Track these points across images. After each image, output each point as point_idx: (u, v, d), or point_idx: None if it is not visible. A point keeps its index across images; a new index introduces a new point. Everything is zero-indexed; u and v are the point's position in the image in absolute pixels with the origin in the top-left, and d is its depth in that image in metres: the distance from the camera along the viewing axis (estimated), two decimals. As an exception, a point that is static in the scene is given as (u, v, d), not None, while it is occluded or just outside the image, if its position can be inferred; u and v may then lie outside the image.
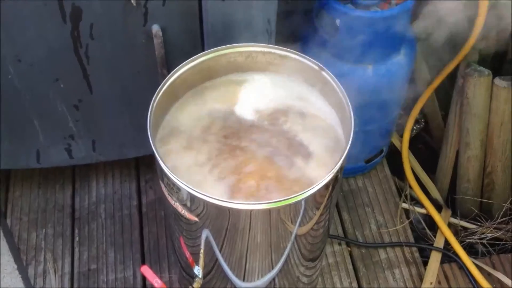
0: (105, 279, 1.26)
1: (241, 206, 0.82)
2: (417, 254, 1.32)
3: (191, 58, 0.95)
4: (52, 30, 1.02)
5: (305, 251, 0.99)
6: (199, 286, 1.05)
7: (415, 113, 1.46)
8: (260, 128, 0.95)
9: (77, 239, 1.32)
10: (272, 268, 0.98)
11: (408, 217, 1.38)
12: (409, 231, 1.36)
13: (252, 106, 0.97)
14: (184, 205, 0.87)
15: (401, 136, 1.48)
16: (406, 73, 1.20)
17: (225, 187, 0.89)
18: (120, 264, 1.28)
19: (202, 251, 0.96)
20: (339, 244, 1.33)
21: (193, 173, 0.90)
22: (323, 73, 0.93)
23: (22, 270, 1.27)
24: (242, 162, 0.91)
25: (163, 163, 0.82)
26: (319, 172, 0.90)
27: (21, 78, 1.10)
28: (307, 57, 0.94)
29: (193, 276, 1.05)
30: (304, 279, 1.09)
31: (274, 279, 1.02)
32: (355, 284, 1.28)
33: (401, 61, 1.18)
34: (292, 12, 1.14)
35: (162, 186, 0.89)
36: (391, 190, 1.43)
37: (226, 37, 1.04)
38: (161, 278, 1.04)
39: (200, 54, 0.95)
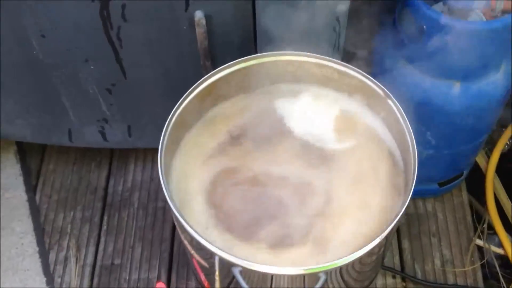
0: (127, 278, 1.15)
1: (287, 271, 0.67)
2: (484, 304, 1.12)
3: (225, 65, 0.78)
4: (78, 7, 0.88)
5: (350, 279, 0.81)
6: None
7: (510, 131, 1.21)
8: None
9: (105, 227, 1.22)
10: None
11: (481, 257, 1.17)
12: (479, 274, 1.15)
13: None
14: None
15: (488, 155, 1.25)
16: (503, 95, 0.97)
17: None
18: (146, 262, 1.17)
19: (217, 273, 0.81)
20: (393, 277, 1.15)
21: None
22: (389, 101, 0.74)
23: (43, 254, 1.18)
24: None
25: (185, 221, 0.68)
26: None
27: (47, 55, 0.97)
28: (371, 78, 0.75)
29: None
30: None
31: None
32: (404, 330, 1.10)
33: (499, 81, 0.94)
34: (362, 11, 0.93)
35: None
36: (465, 220, 1.21)
37: (283, 39, 0.85)
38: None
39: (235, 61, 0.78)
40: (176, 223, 0.74)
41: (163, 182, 0.72)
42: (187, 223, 0.69)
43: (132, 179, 1.27)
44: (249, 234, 0.75)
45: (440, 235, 1.19)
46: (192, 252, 0.76)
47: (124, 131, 1.15)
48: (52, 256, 1.18)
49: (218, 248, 0.67)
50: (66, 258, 1.18)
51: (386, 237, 0.69)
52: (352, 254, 0.67)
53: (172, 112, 0.78)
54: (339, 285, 0.81)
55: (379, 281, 1.14)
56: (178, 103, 0.79)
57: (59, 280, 1.15)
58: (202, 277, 0.85)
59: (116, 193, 1.26)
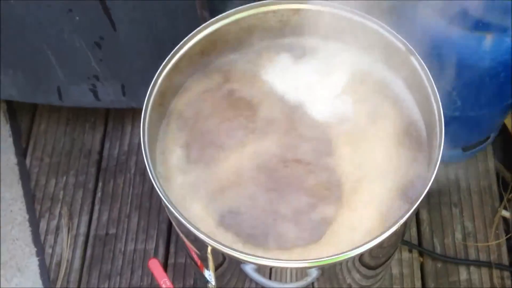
0: (122, 249, 1.07)
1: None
2: (508, 282, 1.02)
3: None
4: None
5: (366, 254, 0.72)
6: (215, 293, 0.83)
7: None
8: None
9: (99, 194, 1.13)
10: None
11: (507, 230, 1.06)
12: (504, 249, 1.05)
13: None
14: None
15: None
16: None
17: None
18: (143, 233, 1.09)
19: (210, 250, 0.72)
20: (410, 251, 1.05)
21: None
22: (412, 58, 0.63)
23: (34, 222, 1.10)
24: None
25: (178, 213, 0.59)
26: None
27: (24, 5, 0.86)
28: (392, 31, 0.63)
29: (205, 281, 0.83)
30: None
31: (313, 284, 0.77)
32: (420, 307, 1.01)
33: (538, 35, 0.82)
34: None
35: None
36: (490, 189, 1.11)
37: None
38: (173, 279, 0.83)
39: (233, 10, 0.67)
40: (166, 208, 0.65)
41: (147, 159, 0.62)
42: (183, 218, 0.59)
43: (129, 143, 1.18)
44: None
45: (462, 205, 1.09)
46: (184, 240, 0.67)
47: (117, 90, 1.05)
48: (42, 225, 1.10)
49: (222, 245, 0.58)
50: (57, 227, 1.10)
51: (410, 216, 0.59)
52: (374, 239, 0.57)
53: (159, 71, 0.68)
54: (353, 260, 0.72)
55: (394, 256, 1.05)
56: (166, 61, 0.68)
57: (50, 250, 1.08)
58: (195, 257, 0.76)
59: (112, 157, 1.17)
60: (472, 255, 1.04)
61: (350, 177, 0.66)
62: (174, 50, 0.68)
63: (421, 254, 1.05)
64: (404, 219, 0.60)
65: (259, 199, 0.67)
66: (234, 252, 0.60)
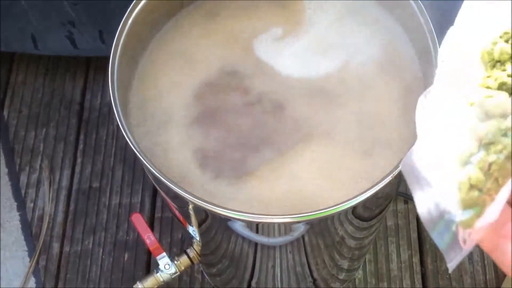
0: (106, 203, 1.03)
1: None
2: (508, 233, 0.99)
3: None
4: None
5: (360, 206, 0.67)
6: (199, 248, 0.80)
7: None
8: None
9: (81, 146, 1.08)
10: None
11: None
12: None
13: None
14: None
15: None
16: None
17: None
18: (128, 186, 1.04)
19: (191, 207, 0.67)
20: (405, 202, 1.02)
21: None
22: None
23: (13, 176, 1.06)
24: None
25: (154, 167, 0.53)
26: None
27: None
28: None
29: (190, 237, 0.79)
30: (351, 242, 0.81)
31: (303, 236, 0.73)
32: (416, 259, 0.98)
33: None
34: None
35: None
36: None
37: None
38: (160, 234, 0.79)
39: None
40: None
41: (118, 114, 0.56)
42: (161, 174, 0.54)
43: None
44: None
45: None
46: (165, 196, 0.62)
47: (95, 37, 0.99)
48: (23, 179, 1.06)
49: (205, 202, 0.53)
50: (38, 181, 1.06)
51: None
52: (366, 191, 0.53)
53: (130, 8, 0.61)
54: (347, 215, 0.67)
55: (390, 207, 1.01)
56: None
57: (31, 205, 1.04)
58: (177, 213, 0.72)
59: (94, 108, 1.11)
60: (470, 206, 1.01)
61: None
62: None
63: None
64: (399, 169, 0.55)
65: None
66: (216, 208, 0.55)
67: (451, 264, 0.34)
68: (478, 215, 0.33)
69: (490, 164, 0.33)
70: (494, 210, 0.33)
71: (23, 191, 1.05)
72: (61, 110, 1.11)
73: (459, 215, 0.33)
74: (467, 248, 0.34)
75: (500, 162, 0.32)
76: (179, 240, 1.00)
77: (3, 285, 0.97)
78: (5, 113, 1.11)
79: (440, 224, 0.34)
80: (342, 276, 0.89)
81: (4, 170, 1.06)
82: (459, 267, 0.97)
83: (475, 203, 0.33)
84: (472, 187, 0.33)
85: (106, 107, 1.11)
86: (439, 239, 0.34)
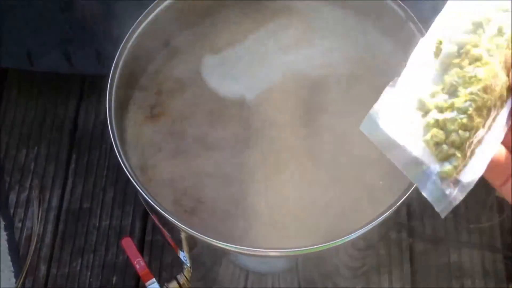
0: (97, 224, 1.02)
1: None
2: (501, 265, 0.98)
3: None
4: None
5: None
6: (190, 275, 0.78)
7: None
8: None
9: (72, 166, 1.07)
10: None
11: (501, 212, 1.02)
12: (497, 232, 1.01)
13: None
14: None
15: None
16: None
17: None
18: (119, 208, 1.03)
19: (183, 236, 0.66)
20: (398, 231, 1.01)
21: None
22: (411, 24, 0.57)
23: (2, 195, 1.04)
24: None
25: (148, 195, 0.53)
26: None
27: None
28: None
29: (180, 262, 0.78)
30: (345, 272, 0.79)
31: (297, 264, 0.72)
32: (408, 290, 0.97)
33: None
34: None
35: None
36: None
37: None
38: (149, 257, 0.78)
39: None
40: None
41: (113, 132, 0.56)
42: (154, 201, 0.53)
43: (105, 112, 1.11)
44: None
45: (455, 185, 1.04)
46: (156, 222, 0.61)
47: (92, 56, 0.98)
48: (12, 197, 1.04)
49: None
50: (28, 200, 1.04)
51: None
52: (368, 224, 0.52)
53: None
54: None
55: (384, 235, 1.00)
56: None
57: (19, 224, 1.02)
58: (168, 238, 0.71)
59: (87, 128, 1.10)
60: (464, 237, 1.00)
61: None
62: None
63: (410, 234, 1.01)
64: (402, 200, 0.55)
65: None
66: (207, 239, 0.54)
67: (441, 213, 0.40)
68: (458, 166, 0.38)
69: (445, 120, 0.38)
70: (479, 164, 0.39)
71: (11, 211, 1.03)
72: (53, 129, 1.10)
73: (437, 167, 0.38)
74: (454, 200, 0.39)
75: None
76: (169, 264, 0.98)
77: (-13, 307, 0.95)
78: (-4, 130, 1.10)
79: (421, 176, 0.39)
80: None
81: (-6, 188, 1.04)
82: (452, 299, 0.96)
83: (448, 156, 0.38)
84: (437, 144, 0.38)
85: (99, 126, 1.10)
86: (424, 190, 0.39)
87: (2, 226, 1.01)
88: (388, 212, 0.53)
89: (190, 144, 0.65)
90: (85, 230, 1.01)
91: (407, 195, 0.54)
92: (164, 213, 0.54)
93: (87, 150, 1.08)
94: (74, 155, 1.07)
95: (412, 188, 0.54)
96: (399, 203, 0.54)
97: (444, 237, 1.00)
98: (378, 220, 0.52)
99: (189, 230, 0.54)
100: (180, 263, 0.78)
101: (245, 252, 0.53)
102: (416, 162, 0.38)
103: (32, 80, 1.14)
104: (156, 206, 0.54)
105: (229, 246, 0.53)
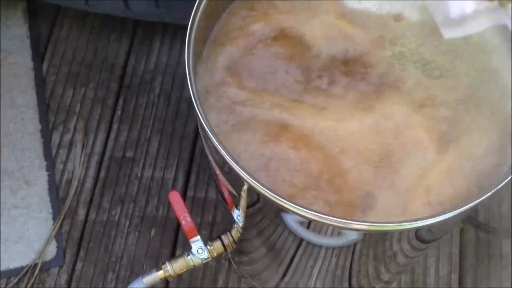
0: (139, 174, 0.99)
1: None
2: (556, 262, 0.94)
3: None
4: None
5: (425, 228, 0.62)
6: (239, 236, 0.75)
7: None
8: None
9: (119, 112, 1.04)
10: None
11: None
12: (555, 227, 0.96)
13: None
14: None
15: None
16: None
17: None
18: (162, 160, 1.00)
19: (245, 188, 0.63)
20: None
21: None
22: None
23: (46, 134, 1.02)
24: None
25: (216, 138, 0.49)
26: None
27: None
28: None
29: (231, 221, 0.74)
30: (401, 259, 0.75)
31: (355, 243, 0.68)
32: (455, 276, 0.93)
33: None
34: None
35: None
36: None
37: None
38: (191, 214, 0.75)
39: None
40: (200, 130, 0.55)
41: (189, 66, 0.52)
42: (221, 144, 0.49)
43: (156, 61, 1.08)
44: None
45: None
46: (218, 172, 0.58)
47: (150, 0, 0.94)
48: (55, 138, 1.02)
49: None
50: (71, 143, 1.02)
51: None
52: (446, 213, 0.48)
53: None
54: (409, 234, 0.62)
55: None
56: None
57: (61, 166, 1.00)
58: (225, 193, 0.67)
59: (136, 75, 1.06)
60: (519, 228, 0.95)
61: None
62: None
63: (462, 220, 0.96)
64: (483, 197, 0.50)
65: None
66: (273, 196, 0.50)
67: None
68: None
69: None
70: None
71: (54, 151, 1.00)
72: (102, 72, 1.07)
73: None
74: None
75: None
76: (209, 223, 0.96)
77: (23, 245, 0.93)
78: (44, 67, 1.07)
79: None
80: (379, 286, 0.85)
81: (38, 126, 1.02)
82: (500, 291, 0.92)
83: None
84: None
85: (149, 74, 1.06)
86: None
87: (44, 165, 0.99)
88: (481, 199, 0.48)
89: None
90: (126, 179, 0.99)
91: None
92: (232, 161, 0.50)
93: (135, 97, 1.04)
94: (121, 101, 1.04)
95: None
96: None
97: (498, 227, 0.95)
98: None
99: (258, 184, 0.49)
100: (226, 223, 0.75)
101: (323, 220, 0.49)
102: None
103: (84, 20, 1.10)
104: (224, 152, 0.50)
105: (303, 211, 0.49)
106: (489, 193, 0.48)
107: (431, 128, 0.56)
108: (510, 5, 0.53)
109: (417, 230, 0.57)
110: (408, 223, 0.49)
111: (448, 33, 0.55)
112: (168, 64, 1.07)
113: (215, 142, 0.51)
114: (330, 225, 0.51)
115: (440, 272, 0.93)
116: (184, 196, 0.97)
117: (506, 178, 0.48)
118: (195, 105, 0.51)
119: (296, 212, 0.50)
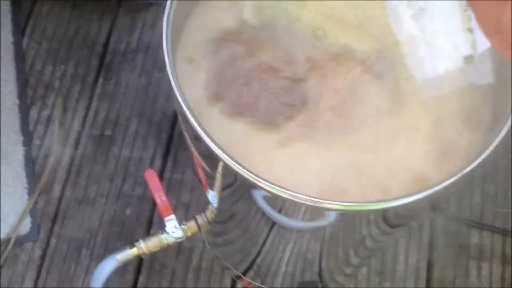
0: (116, 153, 0.99)
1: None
2: (521, 253, 0.96)
3: None
4: None
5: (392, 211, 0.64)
6: (213, 216, 0.76)
7: None
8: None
9: (98, 90, 1.04)
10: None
11: (529, 200, 0.99)
12: (523, 220, 0.98)
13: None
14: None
15: None
16: None
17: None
18: (140, 140, 1.00)
19: (220, 170, 0.63)
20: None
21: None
22: None
23: (24, 109, 1.01)
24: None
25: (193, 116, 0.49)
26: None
27: None
28: None
29: (206, 202, 0.75)
30: (370, 243, 0.77)
31: (325, 226, 0.70)
32: (423, 264, 0.95)
33: None
34: None
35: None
36: (519, 154, 1.03)
37: None
38: (166, 194, 0.75)
39: None
40: (176, 106, 0.55)
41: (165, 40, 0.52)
42: (198, 123, 0.50)
43: (138, 40, 1.07)
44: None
45: (487, 167, 1.01)
46: (193, 149, 0.58)
47: (135, -22, 0.94)
48: (33, 114, 1.01)
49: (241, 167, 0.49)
50: (49, 118, 1.01)
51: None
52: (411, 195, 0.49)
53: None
54: (376, 217, 0.63)
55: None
56: None
57: (38, 142, 0.99)
58: (201, 174, 0.68)
59: (117, 53, 1.06)
60: (488, 220, 0.98)
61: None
62: None
63: (433, 209, 0.98)
64: (451, 180, 0.51)
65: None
66: (249, 174, 0.51)
67: None
68: None
69: None
70: None
71: (31, 126, 1.00)
72: (83, 49, 1.06)
73: None
74: None
75: None
76: (185, 205, 0.96)
77: (-3, 219, 0.93)
78: (24, 42, 1.06)
79: None
80: (348, 271, 0.86)
81: (15, 101, 1.01)
82: (466, 281, 0.94)
83: None
84: None
85: (130, 54, 1.06)
86: None
87: (21, 140, 0.98)
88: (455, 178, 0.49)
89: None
90: (104, 157, 0.99)
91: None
92: (208, 139, 0.51)
93: (115, 76, 1.04)
94: (101, 79, 1.04)
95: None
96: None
97: (468, 217, 0.97)
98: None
99: (233, 162, 0.50)
100: (205, 202, 0.76)
101: (294, 198, 0.50)
102: None
103: (66, -4, 1.09)
104: (200, 129, 0.51)
105: (279, 191, 0.49)
106: (455, 178, 0.49)
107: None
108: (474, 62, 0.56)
109: (384, 212, 0.59)
110: (375, 204, 0.50)
111: (426, 93, 0.57)
112: (150, 44, 1.07)
113: (190, 116, 0.51)
114: (301, 203, 0.52)
115: (410, 260, 0.95)
116: (161, 177, 0.98)
117: (475, 161, 0.49)
118: (170, 76, 0.51)
119: (266, 189, 0.50)
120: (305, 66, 0.60)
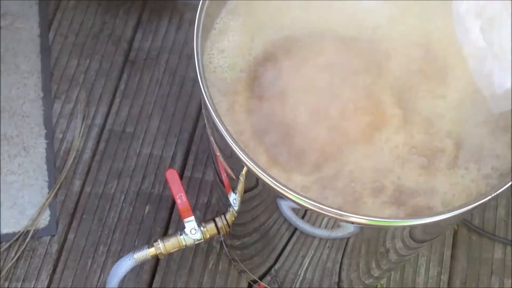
0: (137, 150, 0.99)
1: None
2: (546, 271, 0.94)
3: None
4: None
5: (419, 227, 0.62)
6: (233, 220, 0.75)
7: None
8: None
9: (122, 86, 1.03)
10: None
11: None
12: (549, 235, 0.96)
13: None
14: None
15: None
16: None
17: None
18: (162, 138, 1.00)
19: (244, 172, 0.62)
20: (445, 216, 0.96)
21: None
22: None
23: (47, 102, 1.01)
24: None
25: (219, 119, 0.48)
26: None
27: None
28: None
29: (226, 205, 0.74)
30: (393, 256, 0.75)
31: (348, 238, 0.68)
32: (444, 277, 0.93)
33: None
34: None
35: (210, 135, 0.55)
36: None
37: None
38: (186, 194, 0.74)
39: None
40: (204, 110, 0.55)
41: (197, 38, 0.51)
42: (223, 125, 0.49)
43: (163, 38, 1.07)
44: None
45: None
46: (218, 154, 0.57)
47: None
48: (56, 107, 1.01)
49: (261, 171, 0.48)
50: (72, 113, 1.01)
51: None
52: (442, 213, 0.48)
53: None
54: (403, 232, 0.62)
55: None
56: None
57: (60, 135, 0.99)
58: (223, 176, 0.67)
59: (142, 50, 1.06)
60: (512, 235, 0.95)
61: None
62: None
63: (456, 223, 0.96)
64: (486, 199, 0.50)
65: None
66: (271, 181, 0.50)
67: None
68: None
69: None
70: None
71: (54, 120, 1.00)
72: (108, 45, 1.06)
73: None
74: None
75: None
76: (204, 205, 0.95)
77: (16, 211, 0.93)
78: (51, 36, 1.06)
79: None
80: (368, 281, 0.85)
81: (40, 93, 1.01)
82: (487, 295, 0.92)
83: None
84: None
85: (154, 51, 1.05)
86: None
87: (43, 133, 0.98)
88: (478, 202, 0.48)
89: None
90: (125, 154, 0.98)
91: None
92: (234, 143, 0.50)
93: (139, 73, 1.04)
94: (125, 75, 1.04)
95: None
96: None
97: (492, 232, 0.95)
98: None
99: (257, 168, 0.49)
100: (226, 205, 0.75)
101: (318, 210, 0.49)
102: None
103: (94, -10, 1.09)
104: (225, 134, 0.50)
105: (300, 199, 0.48)
106: (487, 198, 0.48)
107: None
108: None
109: (412, 229, 0.57)
110: (403, 221, 0.49)
111: (497, 107, 0.56)
112: (175, 42, 1.06)
113: (217, 122, 0.51)
114: (325, 215, 0.51)
115: (430, 273, 0.93)
116: (181, 176, 0.97)
117: (506, 185, 0.48)
118: (200, 81, 0.50)
119: (293, 199, 0.50)
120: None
